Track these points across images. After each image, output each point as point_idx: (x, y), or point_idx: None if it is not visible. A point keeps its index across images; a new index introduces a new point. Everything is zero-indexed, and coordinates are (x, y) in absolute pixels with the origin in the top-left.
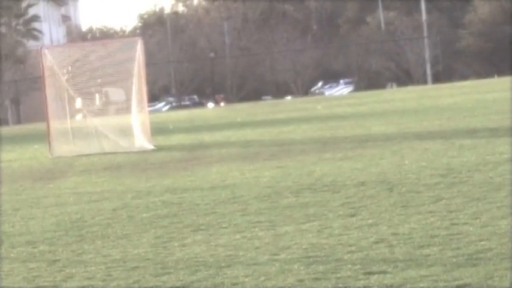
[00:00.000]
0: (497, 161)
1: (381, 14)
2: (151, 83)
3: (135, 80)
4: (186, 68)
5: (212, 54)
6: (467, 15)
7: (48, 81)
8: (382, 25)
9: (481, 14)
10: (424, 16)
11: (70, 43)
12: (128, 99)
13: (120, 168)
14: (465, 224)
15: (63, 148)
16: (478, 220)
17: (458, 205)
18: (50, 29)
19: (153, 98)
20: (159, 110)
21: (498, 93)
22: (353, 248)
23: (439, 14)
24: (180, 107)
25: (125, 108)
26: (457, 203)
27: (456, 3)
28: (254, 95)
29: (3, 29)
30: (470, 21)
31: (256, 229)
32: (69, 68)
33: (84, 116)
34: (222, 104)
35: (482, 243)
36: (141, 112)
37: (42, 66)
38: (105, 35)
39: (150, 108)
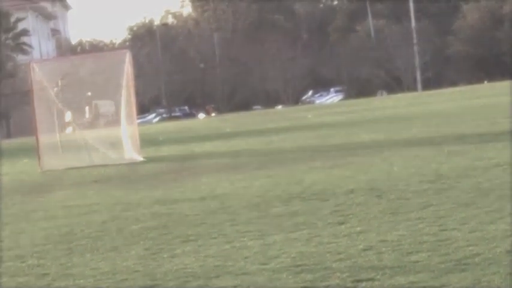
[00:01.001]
0: (485, 167)
1: (370, 22)
2: (141, 94)
3: (124, 92)
4: (176, 79)
5: (202, 65)
6: (456, 22)
7: (37, 96)
8: (372, 33)
9: (470, 20)
10: (413, 23)
11: (59, 57)
12: (118, 112)
13: (110, 181)
14: (453, 229)
15: (52, 162)
16: (466, 226)
17: (447, 211)
18: (40, 43)
19: (143, 109)
20: (149, 122)
21: (487, 99)
22: (342, 256)
23: (428, 21)
24: (170, 118)
25: (115, 121)
26: (445, 208)
27: (445, 10)
28: (245, 105)
29: None
30: (460, 27)
31: (245, 239)
32: (59, 81)
33: (74, 129)
34: (212, 114)
35: (470, 248)
36: (131, 124)
37: (31, 80)
38: (94, 48)
39: (141, 120)
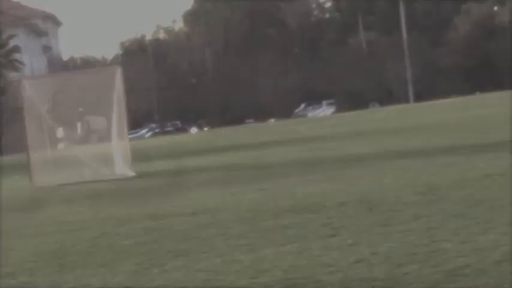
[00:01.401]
0: (476, 178)
1: (361, 35)
2: (133, 110)
3: (115, 107)
4: (168, 94)
5: (194, 80)
6: (448, 34)
7: (28, 112)
8: (363, 46)
9: (462, 32)
10: (404, 35)
11: (50, 73)
12: (109, 127)
13: (101, 196)
14: (444, 240)
15: (44, 178)
16: (457, 237)
17: (438, 222)
18: (31, 60)
19: (135, 124)
20: (142, 137)
21: (479, 110)
22: (333, 269)
23: (419, 33)
24: (163, 133)
25: (106, 136)
26: (436, 220)
27: (437, 21)
28: (237, 119)
29: None
30: (451, 39)
31: (237, 253)
32: (50, 98)
33: (66, 145)
34: (205, 128)
35: (461, 259)
36: (122, 140)
37: (22, 98)
38: (86, 64)
39: (133, 135)
